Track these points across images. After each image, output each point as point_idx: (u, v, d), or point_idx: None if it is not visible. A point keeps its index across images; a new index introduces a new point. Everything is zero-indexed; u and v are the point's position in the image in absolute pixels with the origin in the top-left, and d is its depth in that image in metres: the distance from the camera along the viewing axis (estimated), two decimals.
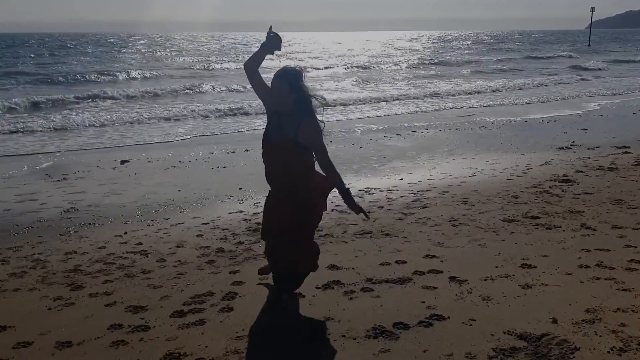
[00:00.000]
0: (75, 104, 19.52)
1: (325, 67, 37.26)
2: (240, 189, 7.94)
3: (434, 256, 4.73)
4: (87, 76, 28.68)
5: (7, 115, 16.73)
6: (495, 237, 5.29)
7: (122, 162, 10.19)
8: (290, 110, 3.54)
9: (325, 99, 3.72)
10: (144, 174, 9.05)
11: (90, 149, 11.94)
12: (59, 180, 8.68)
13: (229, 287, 4.20)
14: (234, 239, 5.60)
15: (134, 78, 29.40)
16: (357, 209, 3.68)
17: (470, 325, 3.42)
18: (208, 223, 6.22)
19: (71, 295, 4.14)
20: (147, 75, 30.45)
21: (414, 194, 7.30)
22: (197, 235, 5.63)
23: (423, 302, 3.78)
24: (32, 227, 6.26)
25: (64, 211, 6.88)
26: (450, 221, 5.92)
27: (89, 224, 6.33)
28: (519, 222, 5.77)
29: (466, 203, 6.76)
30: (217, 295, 4.06)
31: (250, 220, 6.27)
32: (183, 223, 6.30)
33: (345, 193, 3.66)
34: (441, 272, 4.35)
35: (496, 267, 4.44)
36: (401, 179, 8.41)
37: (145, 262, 4.91)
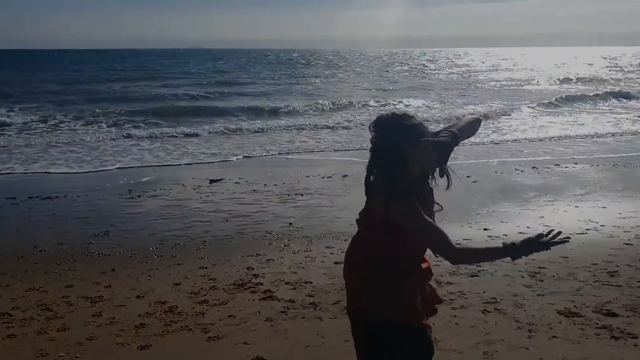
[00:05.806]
0: None
1: None
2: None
3: None
4: None
5: None
6: (538, 342, 4.24)
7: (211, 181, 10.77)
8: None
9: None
10: None
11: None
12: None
13: None
14: None
15: None
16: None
17: None
18: None
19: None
20: None
21: None
22: None
23: None
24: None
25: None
26: (485, 304, 4.94)
27: None
28: (585, 319, 4.63)
29: (535, 277, 5.55)
30: None
31: None
32: None
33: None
34: None
35: None
36: (485, 229, 7.41)
37: None
